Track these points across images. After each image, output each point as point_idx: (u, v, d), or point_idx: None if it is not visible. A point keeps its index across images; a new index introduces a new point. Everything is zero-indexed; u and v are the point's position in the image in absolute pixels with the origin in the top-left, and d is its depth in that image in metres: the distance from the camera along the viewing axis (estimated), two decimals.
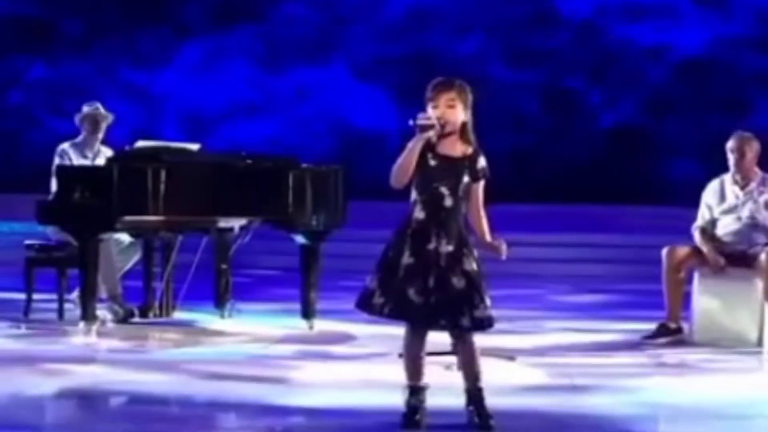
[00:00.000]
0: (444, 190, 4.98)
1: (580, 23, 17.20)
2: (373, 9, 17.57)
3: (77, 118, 8.64)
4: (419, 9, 17.42)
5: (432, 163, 4.99)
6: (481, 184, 5.06)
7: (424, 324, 5.03)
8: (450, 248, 4.96)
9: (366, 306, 5.03)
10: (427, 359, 5.13)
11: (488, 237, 5.07)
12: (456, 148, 5.03)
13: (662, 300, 7.82)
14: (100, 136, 8.59)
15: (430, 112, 5.00)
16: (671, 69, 17.00)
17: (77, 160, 8.45)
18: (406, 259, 4.96)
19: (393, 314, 4.99)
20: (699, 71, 16.90)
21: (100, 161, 8.43)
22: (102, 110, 8.63)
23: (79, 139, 8.60)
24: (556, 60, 17.09)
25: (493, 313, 4.99)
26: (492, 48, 17.32)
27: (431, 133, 4.95)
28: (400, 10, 17.49)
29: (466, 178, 5.01)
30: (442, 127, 4.97)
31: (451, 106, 5.00)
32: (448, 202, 4.99)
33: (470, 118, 5.06)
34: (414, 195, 5.02)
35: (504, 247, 5.05)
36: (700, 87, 16.76)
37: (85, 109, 8.63)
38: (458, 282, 4.94)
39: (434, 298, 4.92)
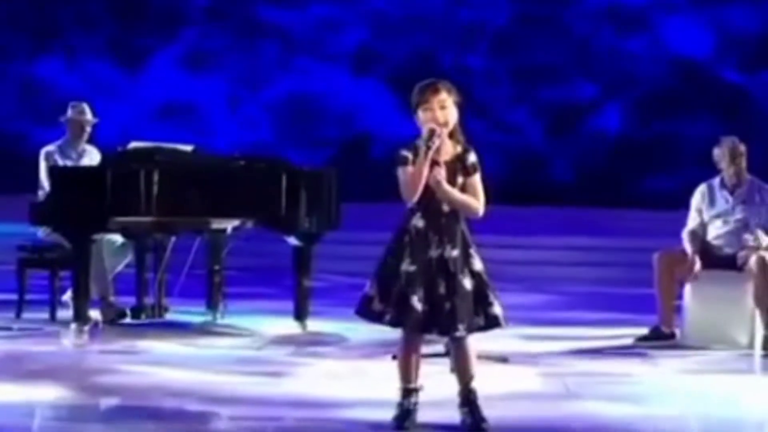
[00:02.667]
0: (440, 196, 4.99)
1: (577, 27, 17.20)
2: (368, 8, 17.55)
3: (62, 119, 8.61)
4: (416, 9, 17.41)
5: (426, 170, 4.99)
6: (477, 177, 5.04)
7: (427, 331, 5.02)
8: (456, 252, 4.96)
9: (365, 313, 5.03)
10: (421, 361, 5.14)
11: (452, 192, 4.95)
12: (447, 151, 5.04)
13: (654, 304, 7.84)
14: (85, 137, 8.57)
15: (422, 115, 5.00)
16: (667, 73, 17.00)
17: (62, 161, 8.43)
18: (406, 266, 4.95)
19: (394, 322, 4.98)
20: (696, 75, 16.91)
21: (86, 161, 8.44)
22: (88, 115, 8.58)
23: (63, 140, 8.59)
24: (552, 63, 17.09)
25: (504, 310, 5.01)
26: (487, 50, 17.33)
27: (438, 143, 4.96)
28: (395, 8, 17.47)
29: (460, 179, 5.02)
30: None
31: (444, 107, 5.00)
32: (446, 207, 5.00)
33: (457, 119, 5.06)
34: (411, 203, 5.01)
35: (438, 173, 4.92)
36: (697, 91, 16.77)
37: (70, 112, 8.58)
38: (469, 283, 4.95)
39: (449, 305, 4.92)
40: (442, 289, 4.92)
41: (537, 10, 17.05)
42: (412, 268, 4.94)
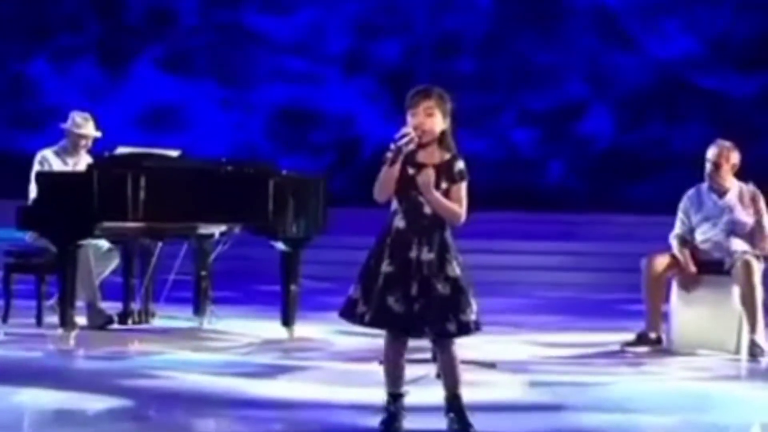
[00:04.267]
0: (423, 198, 4.99)
1: (567, 31, 17.23)
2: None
3: (64, 127, 8.53)
4: (405, 13, 17.43)
5: (411, 171, 5.00)
6: (462, 186, 5.04)
7: (405, 332, 5.03)
8: (431, 256, 4.96)
9: (349, 316, 5.04)
10: (408, 366, 5.14)
11: (437, 194, 4.95)
12: (434, 156, 5.04)
13: (641, 308, 7.85)
14: (84, 149, 8.50)
15: (409, 120, 5.02)
16: (656, 78, 17.03)
17: (58, 167, 8.39)
18: (386, 267, 4.96)
19: (373, 323, 5.00)
20: (685, 80, 16.95)
21: (81, 168, 8.39)
22: (92, 129, 8.50)
23: (60, 147, 8.52)
24: (542, 68, 17.11)
25: (477, 318, 4.98)
26: (475, 54, 17.37)
27: (411, 146, 4.96)
28: (384, 12, 17.48)
29: (444, 184, 5.02)
30: (420, 137, 4.98)
31: (430, 115, 5.01)
32: (428, 209, 5.01)
33: (449, 126, 5.07)
34: (394, 204, 5.03)
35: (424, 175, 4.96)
36: (686, 96, 16.81)
37: (75, 124, 8.49)
38: (443, 288, 4.95)
39: (418, 306, 4.93)
40: (414, 291, 4.93)
41: (525, 14, 17.09)
42: (390, 268, 4.96)
